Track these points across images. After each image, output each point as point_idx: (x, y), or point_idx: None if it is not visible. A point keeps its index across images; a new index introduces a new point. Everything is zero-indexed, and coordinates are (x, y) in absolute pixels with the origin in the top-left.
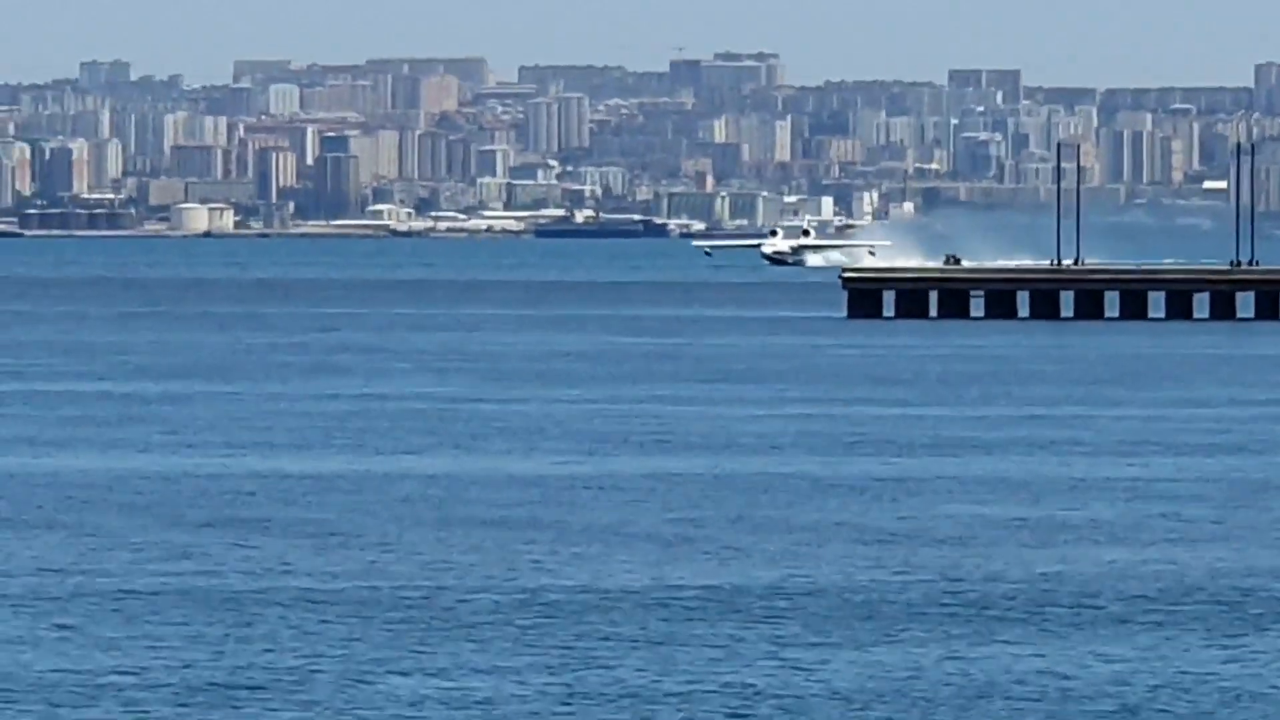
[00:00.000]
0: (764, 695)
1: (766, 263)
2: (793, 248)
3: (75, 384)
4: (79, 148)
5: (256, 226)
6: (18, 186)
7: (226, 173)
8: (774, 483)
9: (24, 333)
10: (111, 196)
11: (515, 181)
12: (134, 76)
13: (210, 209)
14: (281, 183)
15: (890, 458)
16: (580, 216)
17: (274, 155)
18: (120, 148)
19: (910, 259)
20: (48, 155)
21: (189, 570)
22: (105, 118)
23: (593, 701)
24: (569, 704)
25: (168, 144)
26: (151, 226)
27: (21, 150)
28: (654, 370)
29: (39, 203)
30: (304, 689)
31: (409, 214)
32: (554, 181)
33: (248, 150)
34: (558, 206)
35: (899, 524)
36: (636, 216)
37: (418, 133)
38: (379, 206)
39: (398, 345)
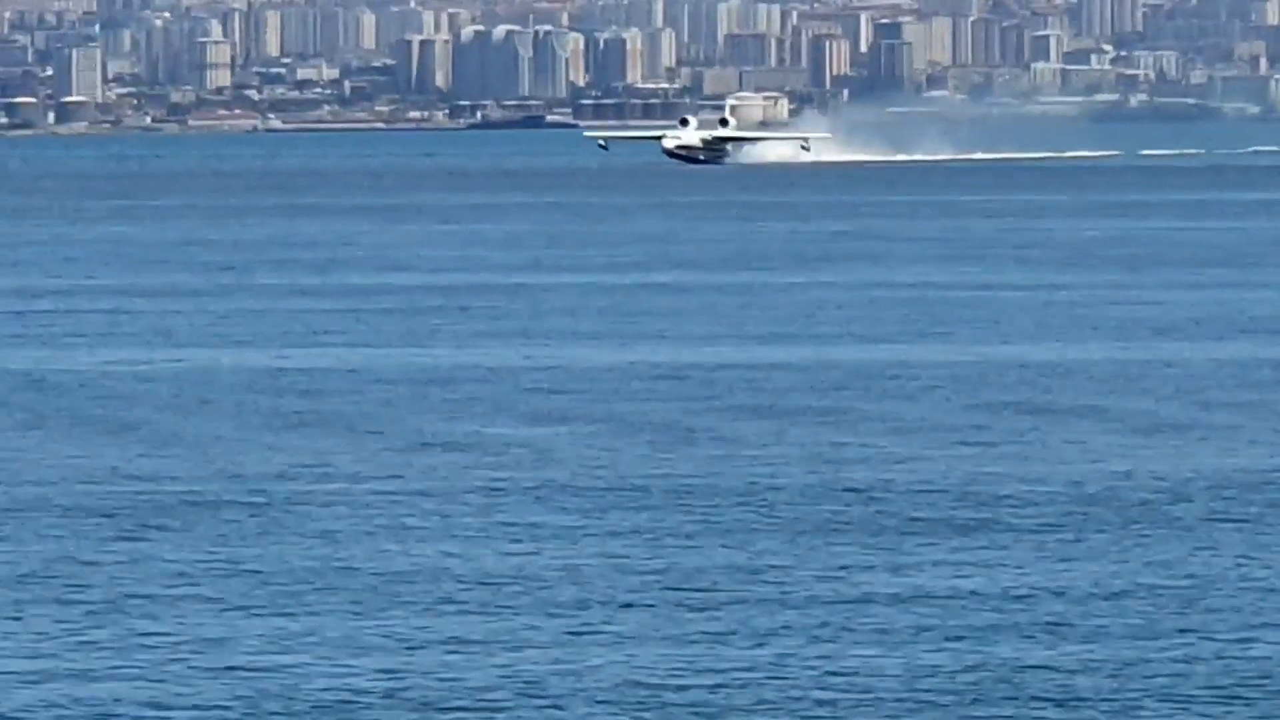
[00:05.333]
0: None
1: (670, 159)
2: (705, 140)
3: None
4: (632, 38)
5: (810, 114)
6: (572, 78)
7: (780, 61)
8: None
9: (524, 223)
10: (665, 86)
11: (1069, 67)
12: None
13: (765, 98)
14: (835, 70)
15: None
16: (1134, 101)
17: (828, 43)
18: (674, 37)
19: (851, 153)
20: (601, 46)
21: (633, 468)
22: (659, 7)
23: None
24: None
25: (721, 33)
26: (705, 116)
27: (575, 41)
28: (1169, 256)
29: (593, 94)
30: (751, 589)
31: (963, 100)
32: (1107, 67)
33: (801, 38)
34: (1111, 92)
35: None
36: (1190, 101)
37: (971, 19)
38: (933, 93)
39: (917, 232)
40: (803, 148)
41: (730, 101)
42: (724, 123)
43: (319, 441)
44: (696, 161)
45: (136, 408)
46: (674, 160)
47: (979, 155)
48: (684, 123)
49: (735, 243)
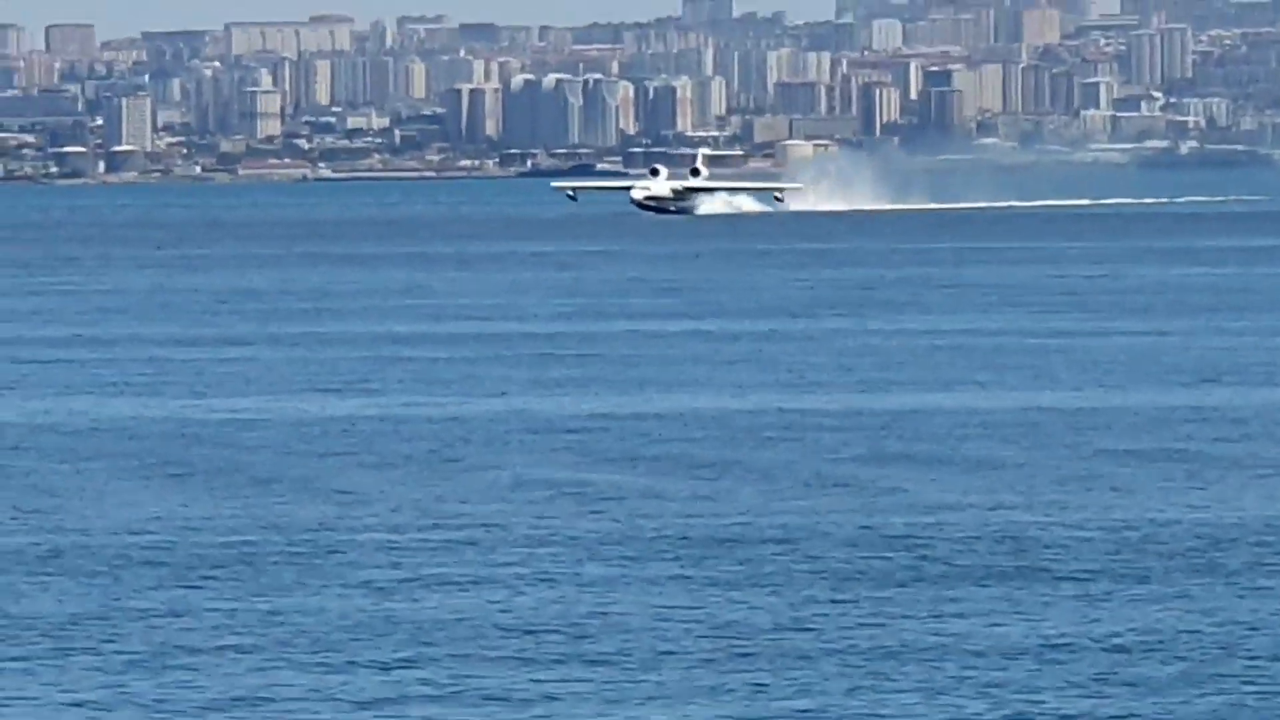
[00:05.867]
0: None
1: (640, 210)
2: (676, 191)
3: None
4: (683, 86)
5: (855, 157)
6: (622, 125)
7: (830, 109)
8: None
9: (616, 271)
10: (715, 134)
11: (1119, 114)
12: (737, 13)
13: (814, 145)
14: (885, 118)
15: None
16: (1184, 148)
17: (878, 91)
18: (724, 85)
19: (827, 202)
20: (651, 94)
21: (712, 514)
22: (709, 55)
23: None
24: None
25: (771, 81)
26: (756, 164)
27: (625, 89)
28: (1229, 303)
29: (643, 141)
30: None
31: (1013, 148)
32: (1158, 113)
33: (851, 86)
34: (1161, 139)
35: None
36: (1240, 147)
37: (1021, 66)
38: (984, 140)
39: (975, 279)
40: (776, 199)
41: (704, 150)
42: (695, 172)
43: (362, 489)
44: (666, 212)
45: (180, 457)
46: (644, 211)
47: (963, 205)
48: (654, 173)
49: (779, 290)
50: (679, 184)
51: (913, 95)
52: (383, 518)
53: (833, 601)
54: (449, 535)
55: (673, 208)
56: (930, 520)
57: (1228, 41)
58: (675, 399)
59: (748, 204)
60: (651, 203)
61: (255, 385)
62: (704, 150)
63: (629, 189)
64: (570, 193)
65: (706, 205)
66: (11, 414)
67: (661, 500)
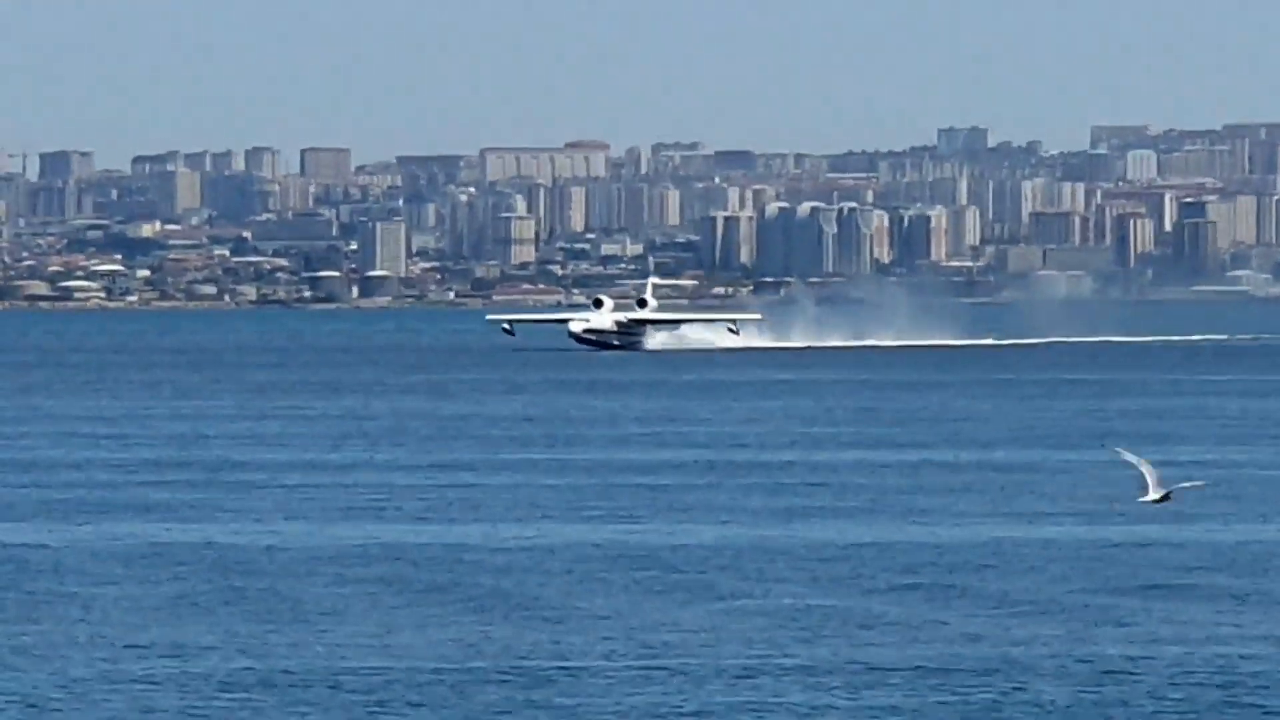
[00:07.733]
0: None
1: (579, 344)
2: (619, 324)
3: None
4: (937, 215)
5: (1114, 293)
6: (876, 254)
7: (1084, 239)
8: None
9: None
10: (970, 264)
11: None
12: (991, 143)
13: (1068, 276)
14: (1139, 249)
15: None
16: None
17: (1132, 221)
18: (978, 214)
19: (785, 337)
20: (906, 223)
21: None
22: (964, 185)
23: None
24: None
25: (1025, 211)
26: (1009, 294)
27: (880, 218)
28: None
29: (898, 270)
30: None
31: (1266, 279)
32: None
33: (1105, 216)
34: None
35: None
36: None
37: (1275, 198)
38: (1238, 272)
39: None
40: (730, 330)
41: (652, 280)
42: (642, 303)
43: (578, 616)
44: (609, 347)
45: (402, 580)
46: (583, 345)
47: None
48: (598, 304)
49: (1009, 420)
50: (624, 316)
51: (1167, 226)
52: (599, 645)
53: None
54: (665, 662)
55: (616, 341)
56: (1144, 653)
57: None
58: (897, 528)
59: (699, 337)
60: (592, 336)
61: (484, 511)
62: (653, 279)
63: (567, 322)
64: (506, 326)
65: (655, 339)
66: (244, 536)
67: (880, 628)
